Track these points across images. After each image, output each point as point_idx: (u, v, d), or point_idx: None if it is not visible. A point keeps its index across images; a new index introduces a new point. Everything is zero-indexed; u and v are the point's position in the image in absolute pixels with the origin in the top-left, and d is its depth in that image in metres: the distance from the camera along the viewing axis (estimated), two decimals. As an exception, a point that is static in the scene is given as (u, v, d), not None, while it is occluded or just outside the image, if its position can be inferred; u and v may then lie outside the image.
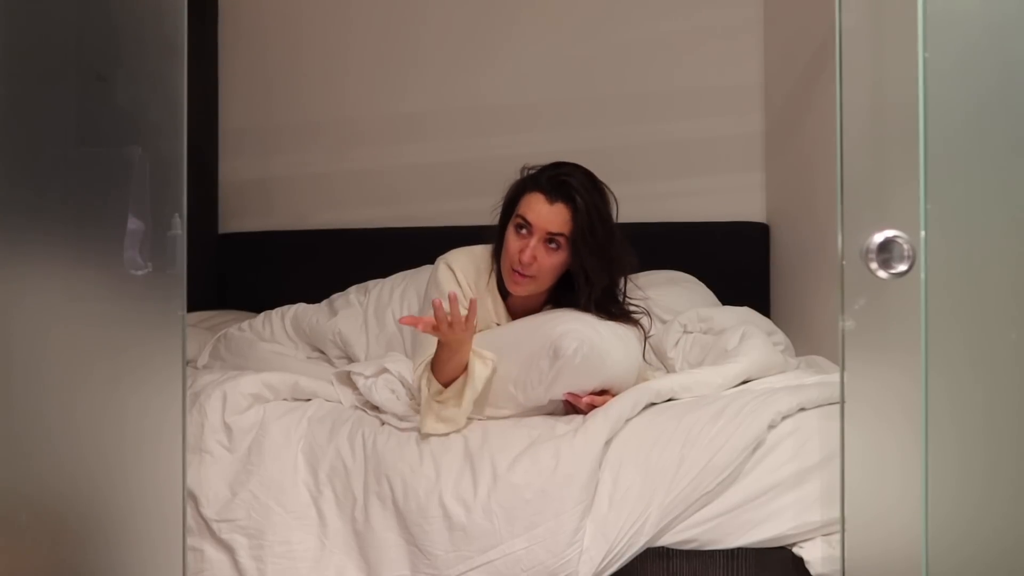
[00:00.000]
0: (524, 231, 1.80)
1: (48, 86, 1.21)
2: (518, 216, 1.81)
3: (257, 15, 3.13)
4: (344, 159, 3.07)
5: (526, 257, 1.77)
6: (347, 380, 1.87)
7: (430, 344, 1.74)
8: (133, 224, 1.17)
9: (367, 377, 1.80)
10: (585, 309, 1.81)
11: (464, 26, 2.98)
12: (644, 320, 1.89)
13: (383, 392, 1.76)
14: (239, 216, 3.14)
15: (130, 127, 1.20)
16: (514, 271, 1.81)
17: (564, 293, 1.88)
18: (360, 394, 1.81)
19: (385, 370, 1.81)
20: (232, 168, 3.14)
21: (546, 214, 1.78)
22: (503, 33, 2.95)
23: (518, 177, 1.88)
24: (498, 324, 1.90)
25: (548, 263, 1.80)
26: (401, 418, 1.72)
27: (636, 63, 2.87)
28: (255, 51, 3.13)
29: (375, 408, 1.77)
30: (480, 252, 1.95)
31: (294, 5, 3.10)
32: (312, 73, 3.08)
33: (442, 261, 1.92)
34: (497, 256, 1.89)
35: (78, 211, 1.20)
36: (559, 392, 1.71)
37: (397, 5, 3.02)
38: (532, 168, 1.88)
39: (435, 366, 1.69)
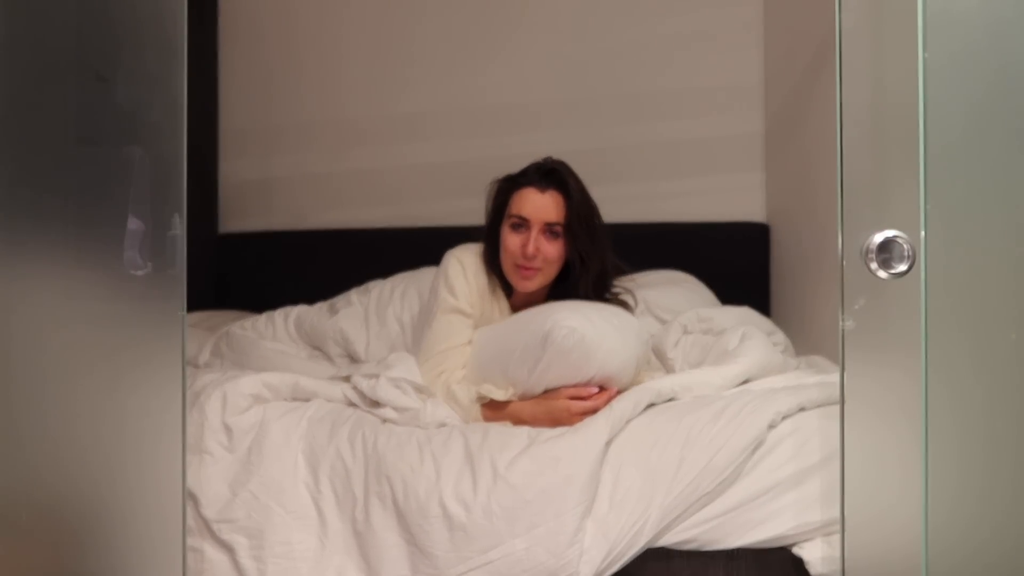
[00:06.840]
0: (522, 228, 1.85)
1: (48, 86, 1.21)
2: (513, 216, 1.86)
3: (256, 16, 3.13)
4: (344, 159, 3.06)
5: (530, 250, 1.83)
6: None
7: (444, 338, 1.82)
8: (133, 224, 1.18)
9: (369, 378, 1.81)
10: (584, 296, 1.86)
11: (464, 26, 2.98)
12: (628, 298, 1.96)
13: (388, 390, 1.76)
14: (239, 216, 3.14)
15: (130, 127, 1.20)
16: (519, 267, 1.86)
17: (562, 285, 1.93)
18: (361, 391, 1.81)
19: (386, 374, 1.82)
20: (232, 168, 3.14)
21: (541, 204, 1.84)
22: (503, 33, 2.95)
23: (497, 184, 1.93)
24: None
25: (551, 252, 1.85)
26: (406, 409, 1.73)
27: (636, 63, 2.87)
28: (255, 51, 3.13)
29: (375, 404, 1.77)
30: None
31: (294, 5, 3.10)
32: (312, 73, 3.08)
33: (452, 256, 1.94)
34: (490, 259, 1.92)
35: (78, 211, 1.20)
36: (552, 382, 1.71)
37: (396, 5, 3.02)
38: (503, 177, 1.93)
39: (488, 405, 1.76)
